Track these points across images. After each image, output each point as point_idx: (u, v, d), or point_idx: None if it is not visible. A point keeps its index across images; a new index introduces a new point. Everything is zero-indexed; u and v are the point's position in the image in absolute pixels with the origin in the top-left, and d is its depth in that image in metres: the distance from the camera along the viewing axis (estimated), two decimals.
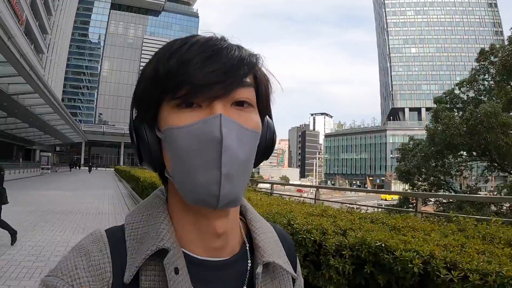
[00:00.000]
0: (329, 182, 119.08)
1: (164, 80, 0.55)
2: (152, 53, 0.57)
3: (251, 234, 0.68)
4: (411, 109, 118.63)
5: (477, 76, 18.31)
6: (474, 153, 17.65)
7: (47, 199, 14.79)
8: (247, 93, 0.57)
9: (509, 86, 16.92)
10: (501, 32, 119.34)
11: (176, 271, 0.56)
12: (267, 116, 0.65)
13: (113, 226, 0.65)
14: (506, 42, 17.70)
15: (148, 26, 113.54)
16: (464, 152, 17.70)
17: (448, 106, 18.87)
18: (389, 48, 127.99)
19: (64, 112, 30.98)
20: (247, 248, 0.67)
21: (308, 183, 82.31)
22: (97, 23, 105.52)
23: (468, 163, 18.91)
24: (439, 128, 16.94)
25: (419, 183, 18.78)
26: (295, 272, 0.73)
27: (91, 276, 0.55)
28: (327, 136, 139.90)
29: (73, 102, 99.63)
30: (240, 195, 0.56)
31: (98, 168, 70.43)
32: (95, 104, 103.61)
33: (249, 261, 0.66)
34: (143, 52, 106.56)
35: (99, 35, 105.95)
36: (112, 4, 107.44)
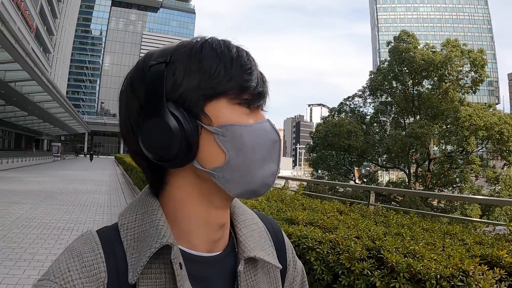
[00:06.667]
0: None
1: (230, 81, 0.57)
2: (151, 48, 0.62)
3: (234, 228, 0.69)
4: None
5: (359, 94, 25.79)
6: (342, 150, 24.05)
7: (68, 175, 22.70)
8: None
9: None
10: (490, 29, 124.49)
11: (181, 266, 0.57)
12: None
13: (104, 226, 0.65)
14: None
15: (147, 23, 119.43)
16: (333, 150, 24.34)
17: (336, 114, 26.25)
18: (379, 44, 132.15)
19: (71, 110, 37.82)
20: (234, 241, 0.68)
21: (298, 172, 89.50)
22: (99, 20, 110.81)
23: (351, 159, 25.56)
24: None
25: (324, 171, 26.02)
26: (286, 259, 0.76)
27: (85, 277, 0.54)
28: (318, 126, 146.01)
29: (76, 95, 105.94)
30: None
31: (100, 156, 77.00)
32: (97, 96, 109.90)
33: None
34: (142, 47, 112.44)
35: (101, 31, 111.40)
36: (113, 1, 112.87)
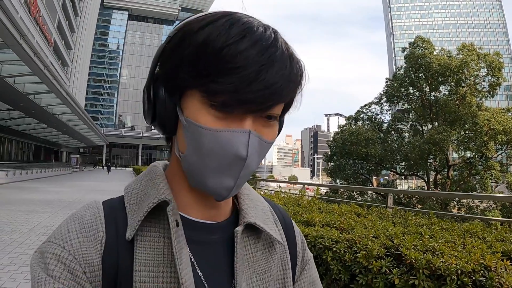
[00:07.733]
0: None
1: (207, 77, 0.52)
2: None
3: (238, 199, 0.70)
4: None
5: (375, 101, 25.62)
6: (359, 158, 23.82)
7: (87, 185, 23.26)
8: (279, 109, 0.57)
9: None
10: (506, 33, 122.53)
11: (177, 223, 0.58)
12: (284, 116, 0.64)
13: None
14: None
15: (163, 36, 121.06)
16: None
17: (353, 122, 26.07)
18: (394, 51, 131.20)
19: (90, 122, 38.45)
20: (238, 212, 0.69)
21: (316, 182, 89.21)
22: (116, 34, 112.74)
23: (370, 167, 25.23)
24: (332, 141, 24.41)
25: (342, 181, 25.80)
26: (296, 246, 0.74)
27: (82, 237, 0.57)
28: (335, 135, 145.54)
29: (95, 108, 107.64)
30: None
31: (118, 168, 77.73)
32: (114, 109, 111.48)
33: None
34: None
35: (118, 45, 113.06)
36: (129, 15, 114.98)
